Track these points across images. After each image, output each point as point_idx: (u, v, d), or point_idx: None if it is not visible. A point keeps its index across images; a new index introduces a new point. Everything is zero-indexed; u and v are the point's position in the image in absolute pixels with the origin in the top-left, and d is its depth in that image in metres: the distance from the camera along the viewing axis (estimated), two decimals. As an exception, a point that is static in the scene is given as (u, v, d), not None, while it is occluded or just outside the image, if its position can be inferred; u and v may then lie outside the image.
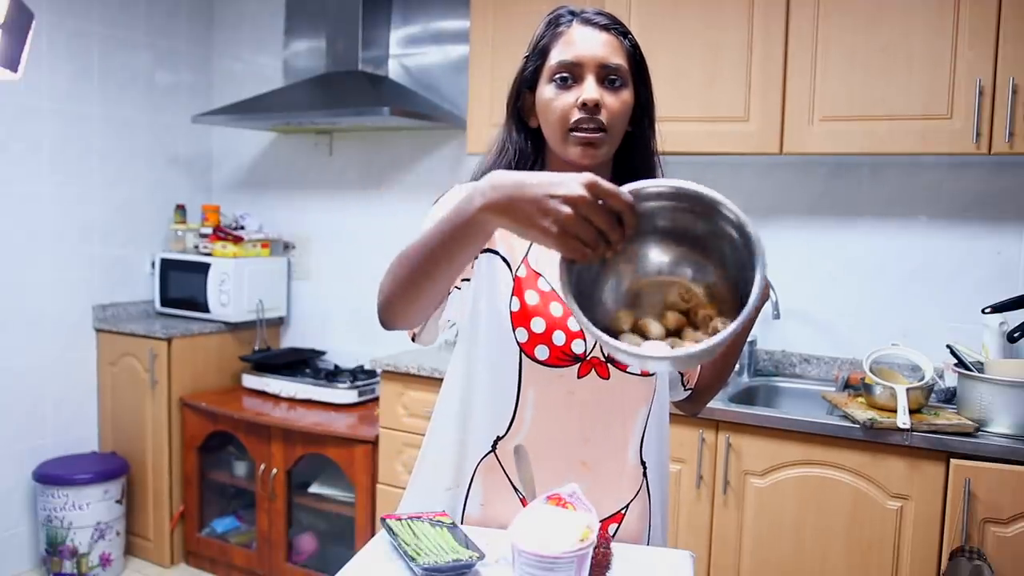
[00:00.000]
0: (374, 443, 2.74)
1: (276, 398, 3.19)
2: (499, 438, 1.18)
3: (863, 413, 2.00)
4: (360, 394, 3.09)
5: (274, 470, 2.95)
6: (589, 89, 1.09)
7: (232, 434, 3.09)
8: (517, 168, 1.19)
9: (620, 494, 1.17)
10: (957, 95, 2.04)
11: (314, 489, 3.01)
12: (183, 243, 3.54)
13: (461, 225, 0.92)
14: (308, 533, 3.07)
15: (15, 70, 1.62)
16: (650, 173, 1.20)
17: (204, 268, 3.32)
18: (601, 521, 1.08)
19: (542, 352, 1.14)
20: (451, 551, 1.02)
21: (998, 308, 2.12)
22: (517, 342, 1.14)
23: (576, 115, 1.09)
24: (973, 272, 2.35)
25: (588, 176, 0.84)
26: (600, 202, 0.83)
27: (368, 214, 3.37)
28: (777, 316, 2.45)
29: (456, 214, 0.92)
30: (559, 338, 1.13)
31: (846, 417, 2.02)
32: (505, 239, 1.18)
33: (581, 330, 1.12)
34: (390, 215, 3.30)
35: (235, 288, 3.29)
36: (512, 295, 1.15)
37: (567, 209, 0.82)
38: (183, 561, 3.26)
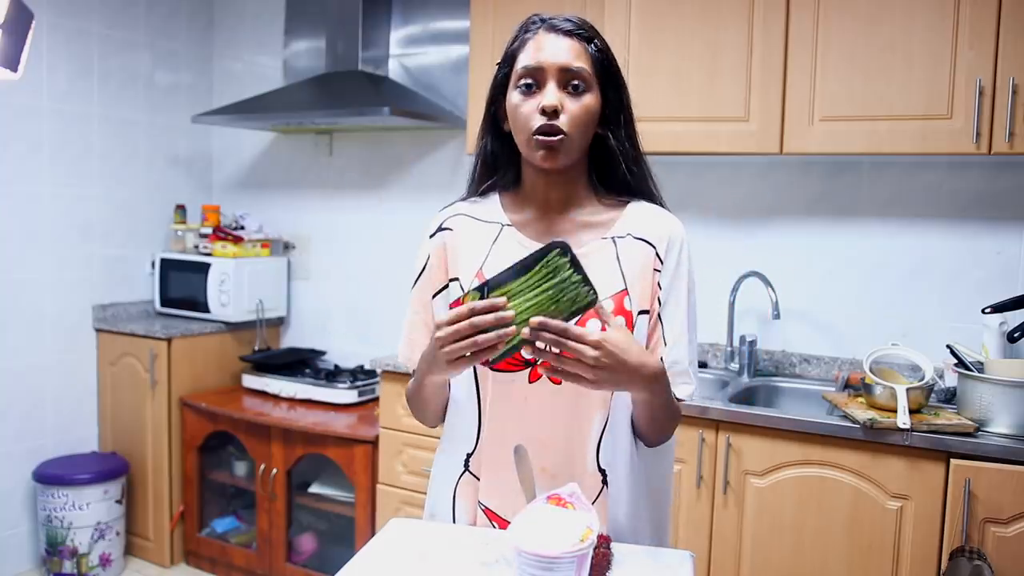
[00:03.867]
0: (374, 443, 2.74)
1: (276, 398, 3.19)
2: (469, 455, 1.19)
3: (863, 413, 2.00)
4: (360, 394, 3.09)
5: (274, 470, 2.95)
6: (549, 95, 1.11)
7: (232, 434, 3.09)
8: (490, 173, 1.24)
9: None
10: (957, 95, 2.04)
11: (314, 489, 3.01)
12: (183, 243, 3.54)
13: (422, 378, 1.16)
14: (308, 533, 3.07)
15: (15, 70, 1.62)
16: (631, 173, 1.21)
17: (204, 268, 3.32)
18: None
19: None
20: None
21: (998, 308, 2.11)
22: None
23: (538, 121, 1.12)
24: (973, 272, 2.35)
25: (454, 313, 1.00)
26: (473, 320, 0.98)
27: (368, 214, 3.37)
28: (777, 316, 2.45)
29: (419, 373, 1.16)
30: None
31: (846, 417, 2.02)
32: (458, 260, 1.21)
33: None
34: (390, 215, 3.30)
35: (235, 288, 3.29)
36: None
37: (447, 341, 1.00)
38: (183, 561, 3.26)
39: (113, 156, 3.35)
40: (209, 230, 3.44)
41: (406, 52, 3.24)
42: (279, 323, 3.60)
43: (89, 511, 2.99)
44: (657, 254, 1.18)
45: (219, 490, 3.30)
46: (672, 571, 1.05)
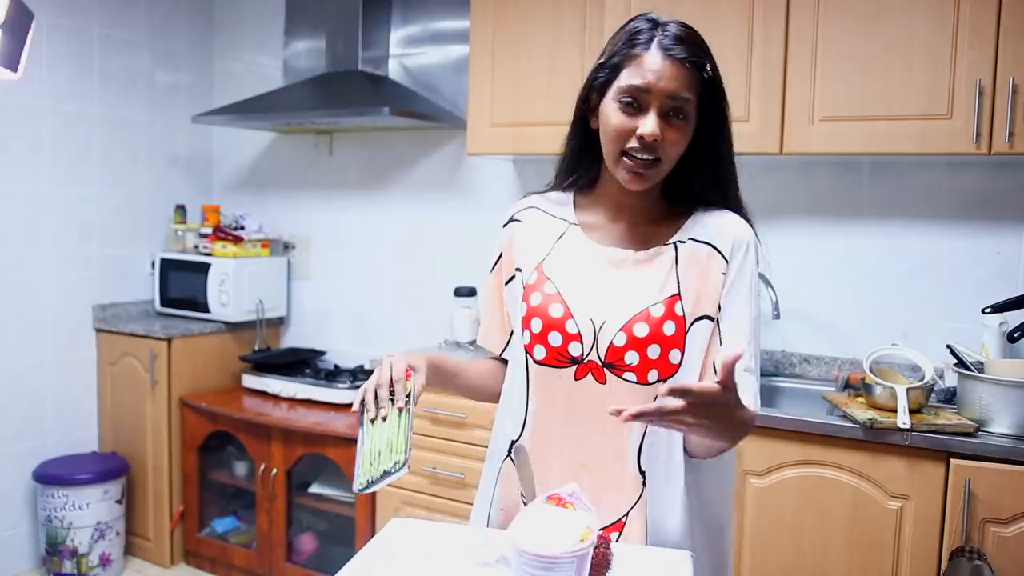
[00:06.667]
0: (374, 443, 2.73)
1: (276, 398, 3.18)
2: (514, 441, 1.20)
3: (863, 413, 2.00)
4: (360, 394, 3.08)
5: (274, 470, 2.95)
6: (649, 123, 1.08)
7: (232, 434, 3.09)
8: (573, 171, 1.24)
9: (619, 502, 1.16)
10: (957, 95, 2.04)
11: (314, 489, 3.01)
12: (183, 243, 3.54)
13: None
14: (308, 533, 3.07)
15: (15, 70, 1.62)
16: (709, 201, 1.21)
17: (204, 268, 3.32)
18: (603, 528, 1.09)
19: (539, 352, 1.16)
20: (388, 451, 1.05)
21: (998, 308, 2.11)
22: (523, 344, 1.17)
23: (632, 142, 1.10)
24: (973, 272, 2.35)
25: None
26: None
27: (368, 214, 3.36)
28: (777, 316, 2.45)
29: None
30: (555, 339, 1.14)
31: (846, 417, 2.02)
32: (522, 251, 1.24)
33: (579, 333, 1.14)
34: (390, 215, 3.30)
35: (235, 288, 3.29)
36: (522, 300, 1.19)
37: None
38: (183, 561, 3.26)
39: (113, 156, 3.35)
40: (209, 230, 3.43)
41: (406, 52, 3.24)
42: (279, 323, 3.60)
43: (89, 511, 2.99)
44: (724, 258, 1.16)
45: (219, 490, 3.30)
46: (672, 571, 1.05)
